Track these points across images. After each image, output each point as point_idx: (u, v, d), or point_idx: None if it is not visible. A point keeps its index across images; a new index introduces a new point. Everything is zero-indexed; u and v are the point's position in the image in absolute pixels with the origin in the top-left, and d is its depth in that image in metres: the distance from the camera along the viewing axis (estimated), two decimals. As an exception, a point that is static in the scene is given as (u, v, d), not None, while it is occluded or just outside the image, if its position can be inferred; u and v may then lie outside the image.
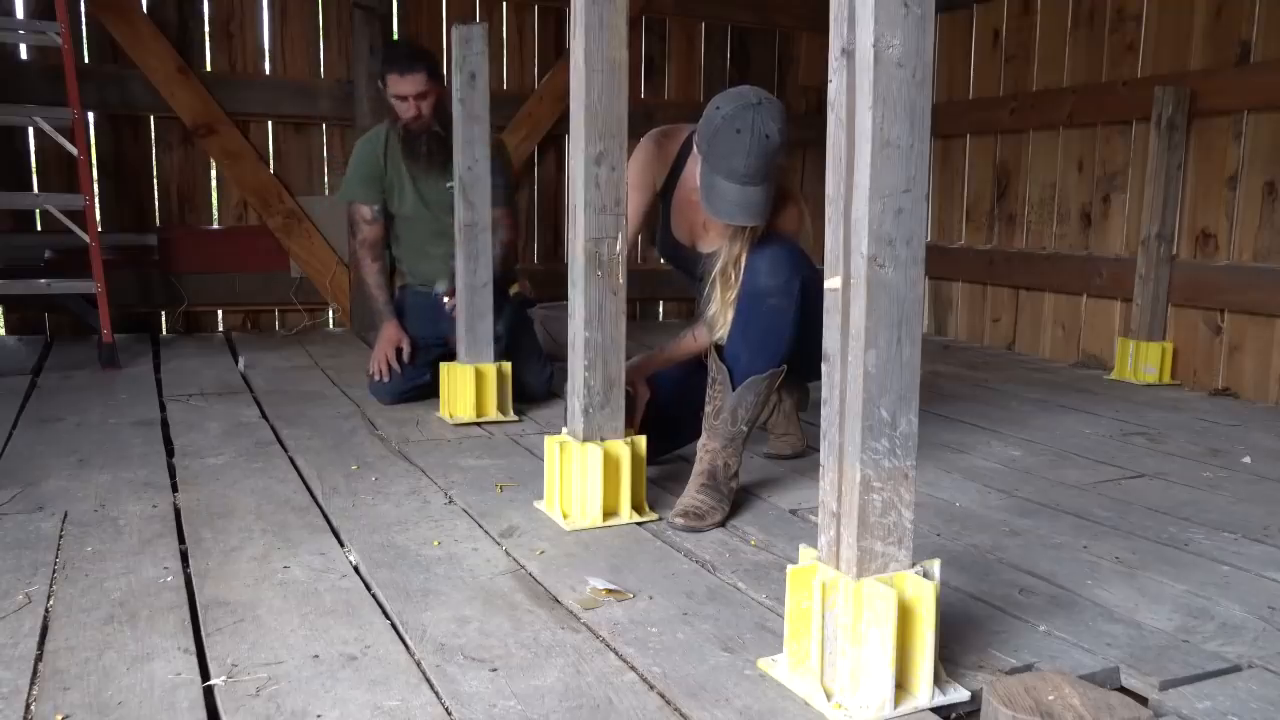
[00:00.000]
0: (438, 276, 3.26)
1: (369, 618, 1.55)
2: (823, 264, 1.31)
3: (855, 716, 1.26)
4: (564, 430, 2.10)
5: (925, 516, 2.06)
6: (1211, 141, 3.63)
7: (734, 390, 2.08)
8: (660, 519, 2.04)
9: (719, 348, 2.13)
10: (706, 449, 2.10)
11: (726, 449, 2.09)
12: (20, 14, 4.12)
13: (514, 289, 3.33)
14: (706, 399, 2.13)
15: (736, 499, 2.13)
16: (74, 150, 3.58)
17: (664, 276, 3.92)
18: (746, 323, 2.08)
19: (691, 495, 2.05)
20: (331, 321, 4.79)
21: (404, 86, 3.09)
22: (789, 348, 2.07)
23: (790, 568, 1.36)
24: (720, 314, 2.18)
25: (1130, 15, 3.92)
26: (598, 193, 1.97)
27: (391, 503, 2.13)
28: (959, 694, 1.32)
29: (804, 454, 2.57)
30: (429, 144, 3.14)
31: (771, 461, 2.54)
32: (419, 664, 1.40)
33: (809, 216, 2.26)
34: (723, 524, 2.01)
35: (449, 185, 3.01)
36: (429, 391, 3.09)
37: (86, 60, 4.25)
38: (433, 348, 3.17)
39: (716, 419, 2.09)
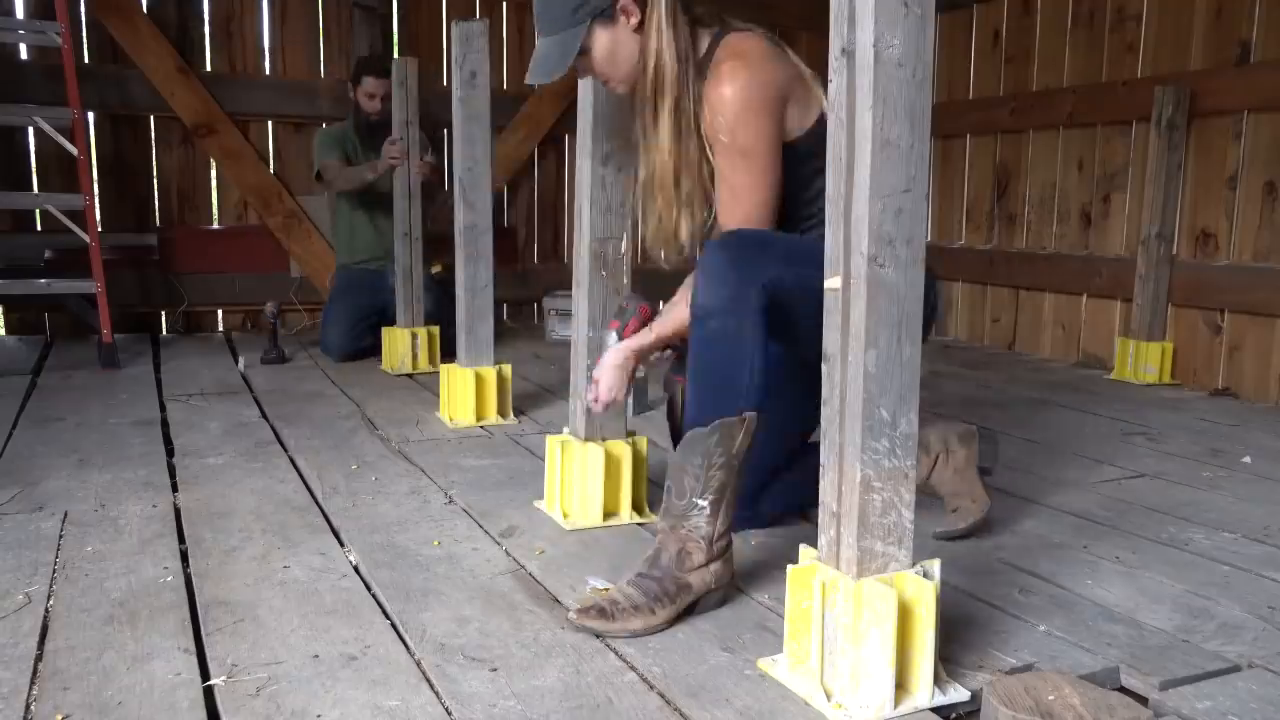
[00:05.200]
0: (375, 249, 3.96)
1: (369, 618, 1.55)
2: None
3: (855, 716, 1.26)
4: (565, 430, 2.10)
5: (925, 517, 2.05)
6: (1211, 141, 3.63)
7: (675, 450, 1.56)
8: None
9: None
10: (657, 529, 1.60)
11: (678, 532, 1.55)
12: (20, 14, 4.12)
13: (435, 268, 3.86)
14: None
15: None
16: (74, 150, 3.58)
17: (667, 278, 3.91)
18: (693, 355, 1.58)
19: (616, 586, 1.57)
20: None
21: (377, 87, 3.86)
22: (754, 382, 1.53)
23: (790, 568, 1.36)
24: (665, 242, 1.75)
25: (1130, 15, 3.92)
26: (604, 193, 1.98)
27: (391, 503, 2.13)
28: (959, 694, 1.32)
29: (982, 528, 1.94)
30: (382, 132, 3.72)
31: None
32: (419, 664, 1.40)
33: (764, 68, 1.65)
34: (649, 632, 1.49)
35: (427, 158, 3.75)
36: (373, 352, 3.84)
37: (86, 60, 4.26)
38: (372, 315, 3.86)
39: (665, 494, 1.58)
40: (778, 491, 1.93)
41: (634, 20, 1.69)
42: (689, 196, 1.71)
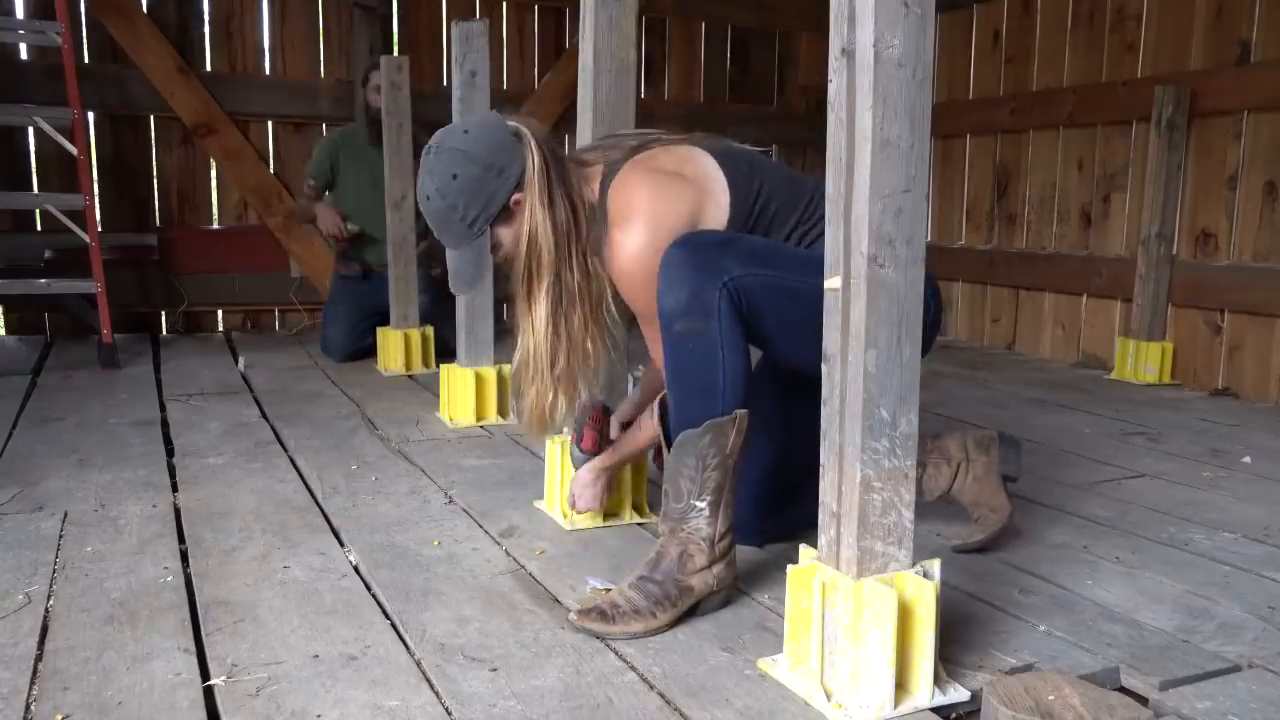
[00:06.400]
0: (383, 238, 3.84)
1: (369, 618, 1.55)
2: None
3: (855, 716, 1.26)
4: (565, 430, 2.10)
5: (925, 517, 2.06)
6: (1211, 141, 3.63)
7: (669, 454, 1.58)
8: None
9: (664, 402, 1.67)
10: (659, 533, 1.62)
11: (679, 534, 1.56)
12: (20, 14, 4.12)
13: (435, 269, 3.89)
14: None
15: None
16: (74, 150, 3.58)
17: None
18: (666, 360, 1.57)
19: (617, 588, 1.58)
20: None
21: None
22: (730, 381, 1.52)
23: (790, 568, 1.36)
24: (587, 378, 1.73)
25: (1130, 15, 3.92)
26: None
27: (391, 503, 2.13)
28: (959, 694, 1.32)
29: (1000, 540, 1.89)
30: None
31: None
32: (419, 664, 1.40)
33: (661, 228, 1.59)
34: (649, 634, 1.50)
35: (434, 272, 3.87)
36: (374, 352, 3.82)
37: (86, 60, 4.26)
38: (373, 315, 3.83)
39: (663, 497, 1.60)
40: (781, 520, 1.89)
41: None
42: (564, 375, 1.66)
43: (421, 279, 3.73)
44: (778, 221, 1.70)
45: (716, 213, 1.65)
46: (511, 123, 1.66)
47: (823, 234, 1.67)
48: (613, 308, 1.73)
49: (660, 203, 1.61)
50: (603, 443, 1.88)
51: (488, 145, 1.62)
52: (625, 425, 1.91)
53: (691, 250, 1.53)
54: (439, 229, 1.66)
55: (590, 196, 1.68)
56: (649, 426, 1.77)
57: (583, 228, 1.66)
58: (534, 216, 1.62)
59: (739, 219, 1.66)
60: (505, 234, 1.66)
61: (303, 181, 4.08)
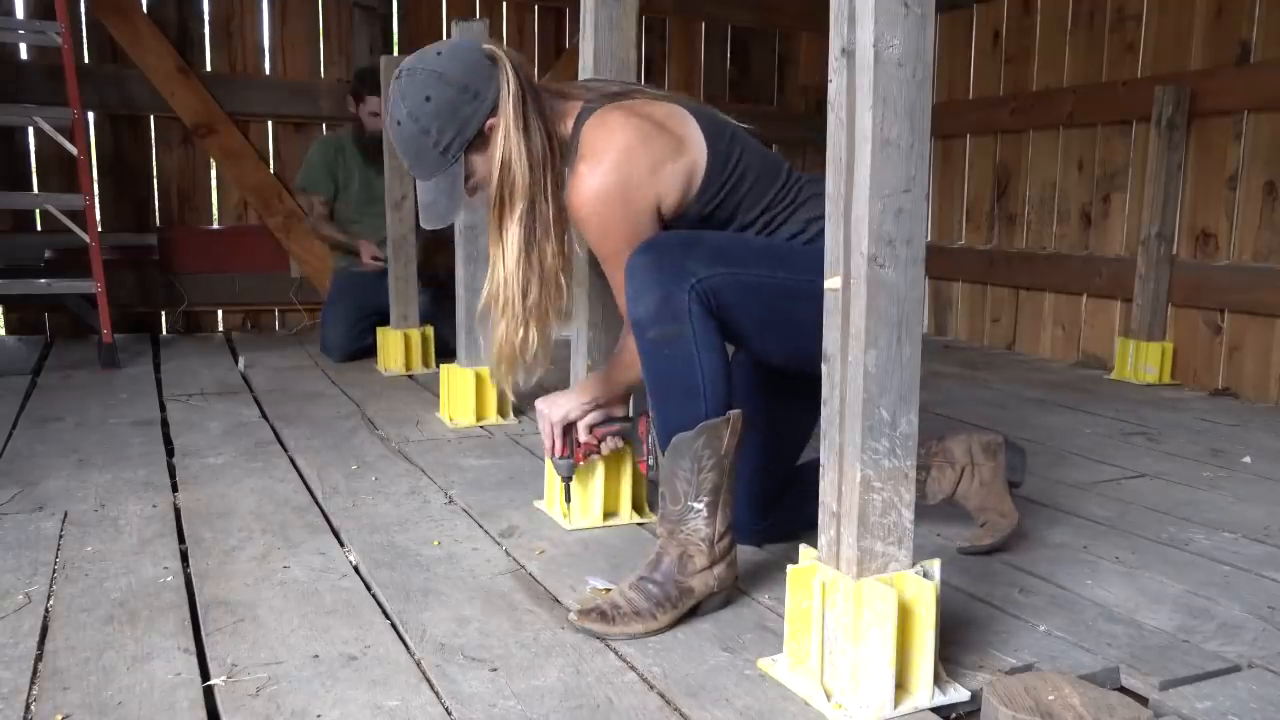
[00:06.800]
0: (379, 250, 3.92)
1: (369, 618, 1.55)
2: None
3: (855, 716, 1.26)
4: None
5: (925, 517, 2.06)
6: (1211, 141, 3.63)
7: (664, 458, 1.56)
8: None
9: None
10: (657, 535, 1.60)
11: (678, 536, 1.54)
12: (20, 14, 4.12)
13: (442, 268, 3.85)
14: None
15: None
16: (74, 150, 3.57)
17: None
18: (643, 368, 1.56)
19: (618, 589, 1.56)
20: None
21: (381, 106, 3.69)
22: (710, 382, 1.51)
23: (790, 568, 1.36)
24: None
25: (1130, 15, 3.92)
26: None
27: (391, 503, 2.13)
28: (959, 694, 1.32)
29: (1007, 544, 1.87)
30: (380, 147, 3.71)
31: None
32: (419, 664, 1.40)
33: (623, 167, 1.56)
34: (649, 635, 1.49)
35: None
36: (371, 352, 3.82)
37: (86, 60, 4.26)
38: (373, 315, 3.82)
39: (660, 500, 1.59)
40: (778, 520, 1.87)
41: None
42: (536, 307, 1.62)
43: (421, 279, 3.72)
44: (749, 199, 1.68)
45: (689, 173, 1.62)
46: (487, 46, 1.63)
47: (789, 220, 1.68)
48: (579, 249, 1.69)
49: (637, 147, 1.57)
50: (573, 448, 1.87)
51: (462, 67, 1.59)
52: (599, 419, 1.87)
53: (655, 254, 1.51)
54: (411, 157, 1.62)
55: (563, 131, 1.66)
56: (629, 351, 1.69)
57: (557, 157, 1.63)
58: (509, 140, 1.58)
59: (712, 187, 1.64)
60: (479, 162, 1.63)
61: (305, 194, 4.02)
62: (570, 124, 1.66)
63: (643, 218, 1.60)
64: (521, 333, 1.63)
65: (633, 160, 1.56)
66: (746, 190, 1.68)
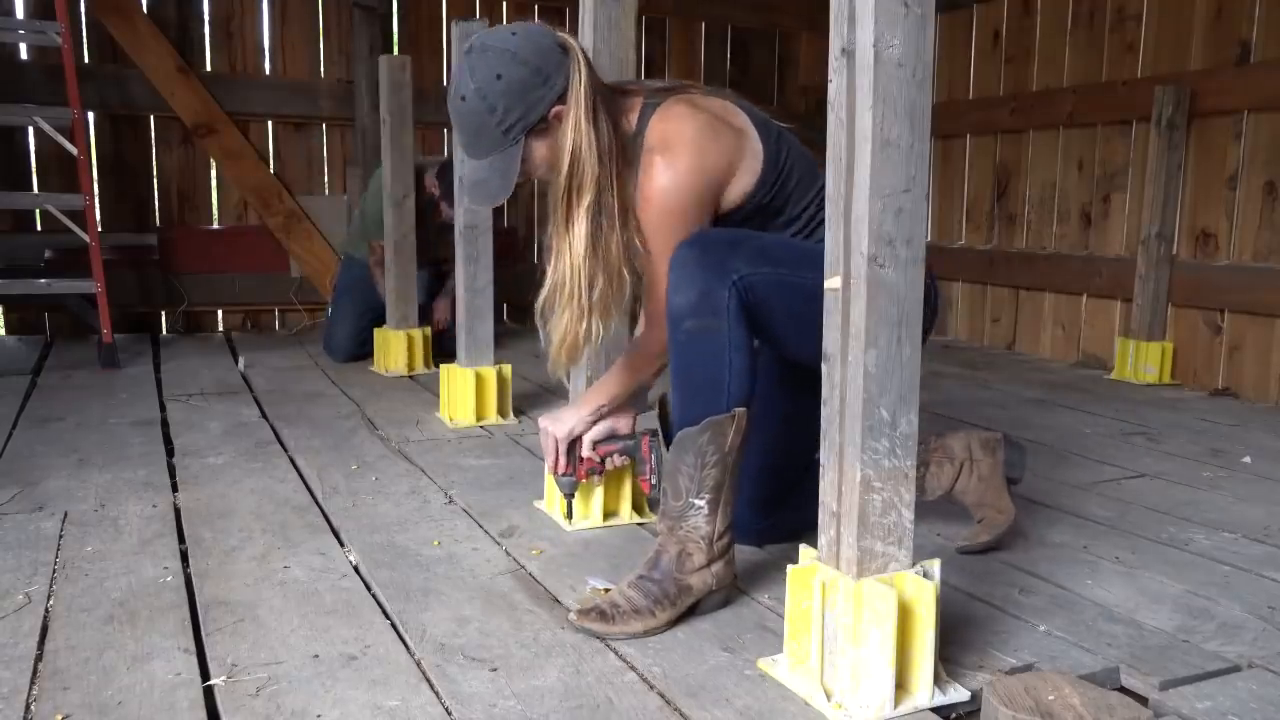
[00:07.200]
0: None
1: (369, 618, 1.55)
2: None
3: (855, 716, 1.26)
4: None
5: (925, 517, 2.06)
6: (1211, 141, 3.63)
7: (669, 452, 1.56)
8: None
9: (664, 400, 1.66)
10: (657, 531, 1.60)
11: (677, 533, 1.54)
12: (20, 14, 4.12)
13: (445, 267, 3.79)
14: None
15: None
16: (74, 150, 3.58)
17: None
18: (672, 358, 1.56)
19: (617, 588, 1.56)
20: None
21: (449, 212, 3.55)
22: (736, 380, 1.51)
23: (790, 568, 1.36)
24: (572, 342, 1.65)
25: (1130, 15, 3.92)
26: None
27: (391, 503, 2.13)
28: (959, 694, 1.32)
29: (1003, 543, 1.88)
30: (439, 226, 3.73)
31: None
32: (419, 664, 1.40)
33: (702, 156, 1.59)
34: (649, 634, 1.49)
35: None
36: (369, 351, 3.79)
37: (86, 60, 4.26)
38: (379, 314, 3.76)
39: (661, 496, 1.60)
40: (780, 520, 1.87)
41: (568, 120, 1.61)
42: (601, 299, 1.62)
43: (421, 279, 3.71)
44: (795, 196, 1.69)
45: (751, 169, 1.64)
46: (560, 34, 1.63)
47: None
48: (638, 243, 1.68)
49: (707, 139, 1.59)
50: (575, 464, 1.86)
51: (536, 50, 1.58)
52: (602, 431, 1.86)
53: (701, 250, 1.52)
54: (470, 133, 1.60)
55: (626, 125, 1.66)
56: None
57: (621, 150, 1.63)
58: (579, 131, 1.58)
59: (766, 184, 1.66)
60: (538, 147, 1.62)
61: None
62: (634, 118, 1.67)
63: (706, 210, 1.62)
64: (585, 324, 1.63)
65: (705, 153, 1.59)
66: (793, 188, 1.70)
